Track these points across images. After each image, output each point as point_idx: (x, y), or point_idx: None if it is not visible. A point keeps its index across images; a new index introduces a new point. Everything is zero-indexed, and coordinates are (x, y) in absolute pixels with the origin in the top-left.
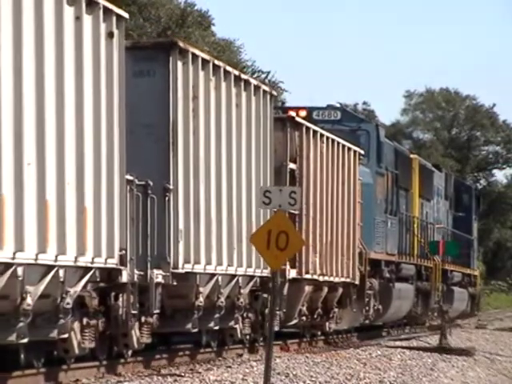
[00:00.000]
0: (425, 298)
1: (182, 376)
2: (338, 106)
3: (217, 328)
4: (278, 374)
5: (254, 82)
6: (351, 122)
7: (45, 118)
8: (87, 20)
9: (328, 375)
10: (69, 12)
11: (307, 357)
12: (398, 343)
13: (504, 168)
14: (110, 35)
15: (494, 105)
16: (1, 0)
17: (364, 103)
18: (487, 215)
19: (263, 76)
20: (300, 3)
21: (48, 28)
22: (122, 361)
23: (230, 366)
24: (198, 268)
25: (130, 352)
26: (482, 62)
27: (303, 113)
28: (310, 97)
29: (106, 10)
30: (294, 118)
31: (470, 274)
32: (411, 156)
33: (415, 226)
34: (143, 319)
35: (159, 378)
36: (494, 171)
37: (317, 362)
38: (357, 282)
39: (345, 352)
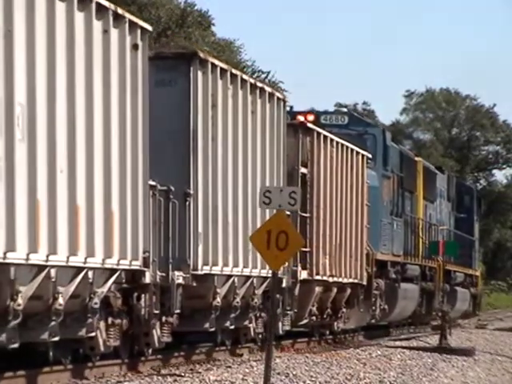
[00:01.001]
0: (429, 298)
1: (181, 376)
2: (345, 110)
3: (232, 327)
4: (278, 373)
5: (268, 89)
6: (358, 126)
7: (76, 127)
8: (114, 33)
9: (328, 375)
10: (97, 26)
11: (307, 357)
12: (398, 343)
13: (504, 168)
14: (135, 47)
15: (494, 105)
16: (36, 16)
17: (364, 103)
18: (487, 215)
19: (263, 76)
20: (300, 3)
21: (78, 41)
22: (143, 358)
23: (229, 366)
24: (216, 270)
25: (150, 350)
26: (482, 62)
27: (311, 117)
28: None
29: (132, 24)
30: (305, 124)
31: (471, 274)
32: (416, 159)
33: (420, 227)
34: (164, 319)
35: (159, 377)
36: (494, 171)
37: (317, 362)
38: (364, 283)
39: (345, 352)
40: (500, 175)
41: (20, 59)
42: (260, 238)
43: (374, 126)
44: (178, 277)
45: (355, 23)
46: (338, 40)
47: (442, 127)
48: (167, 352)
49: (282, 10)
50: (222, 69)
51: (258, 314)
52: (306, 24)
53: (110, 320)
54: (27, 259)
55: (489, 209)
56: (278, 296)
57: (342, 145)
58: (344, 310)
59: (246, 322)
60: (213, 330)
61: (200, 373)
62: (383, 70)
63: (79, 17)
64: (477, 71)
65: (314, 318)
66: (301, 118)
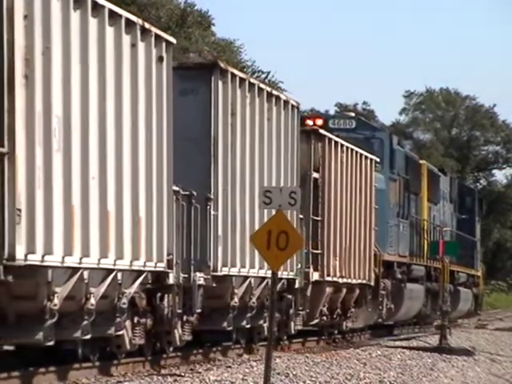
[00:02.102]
0: (434, 298)
1: (182, 376)
2: (353, 115)
3: (248, 326)
4: (278, 373)
5: (283, 97)
6: (365, 131)
7: (106, 137)
8: (141, 46)
9: (328, 375)
10: (126, 40)
11: (307, 357)
12: (398, 343)
13: (504, 168)
14: (160, 59)
15: (494, 105)
16: (71, 32)
17: (364, 103)
18: (487, 215)
19: (263, 76)
20: (300, 3)
21: (109, 55)
22: (165, 356)
23: (229, 366)
24: (234, 271)
25: (171, 348)
26: (482, 62)
27: (320, 121)
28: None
29: (157, 37)
30: (317, 130)
31: (473, 274)
32: (420, 161)
33: (425, 228)
34: (185, 318)
35: (159, 377)
36: (494, 171)
37: (317, 362)
38: (372, 283)
39: (345, 352)
40: (500, 175)
41: (57, 74)
42: (260, 238)
43: (381, 130)
44: (199, 278)
45: (355, 23)
46: (337, 40)
47: (441, 127)
48: (187, 350)
49: (281, 10)
50: (240, 78)
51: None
52: (306, 24)
53: (135, 319)
54: (63, 262)
55: (489, 209)
56: (290, 297)
57: (352, 150)
58: (353, 309)
59: (261, 322)
60: (230, 328)
61: (200, 373)
62: (383, 70)
63: (109, 32)
64: (477, 71)
65: (324, 317)
66: (309, 123)
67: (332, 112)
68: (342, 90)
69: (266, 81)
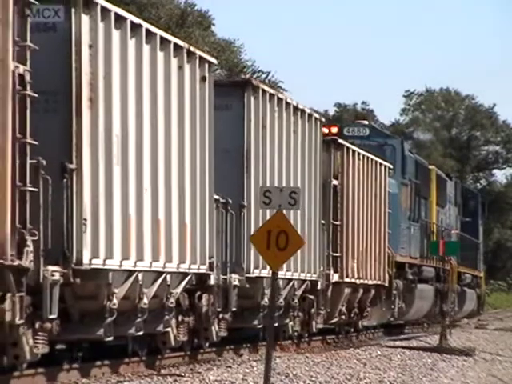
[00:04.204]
0: (443, 298)
1: (182, 376)
2: (366, 123)
3: (276, 325)
4: (278, 373)
5: (307, 110)
6: (378, 138)
7: (157, 152)
8: (187, 68)
9: (328, 375)
10: (174, 62)
11: (307, 357)
12: (398, 343)
13: (504, 168)
14: (203, 79)
15: (494, 105)
16: (128, 57)
17: (363, 103)
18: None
19: (263, 76)
20: (300, 3)
21: (159, 77)
22: (202, 351)
23: (230, 366)
24: (264, 272)
25: (207, 344)
26: (482, 62)
27: (335, 129)
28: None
29: (201, 59)
30: (337, 140)
31: (476, 275)
32: (429, 167)
33: (434, 231)
34: (221, 316)
35: (159, 377)
36: (494, 171)
37: (317, 362)
38: (386, 284)
39: (345, 352)
40: (500, 175)
41: (116, 96)
42: (260, 238)
43: (393, 138)
44: (235, 279)
45: (355, 23)
46: (337, 40)
47: (441, 127)
48: (220, 346)
49: (281, 10)
50: (270, 94)
51: (296, 314)
52: (306, 24)
53: (180, 317)
54: (120, 265)
55: (489, 209)
56: (312, 297)
57: (368, 157)
58: (368, 309)
59: (287, 321)
60: (260, 326)
61: (200, 373)
62: (383, 69)
63: (160, 56)
64: (477, 71)
65: (343, 316)
66: (325, 130)
67: (332, 112)
68: (341, 89)
69: (266, 81)
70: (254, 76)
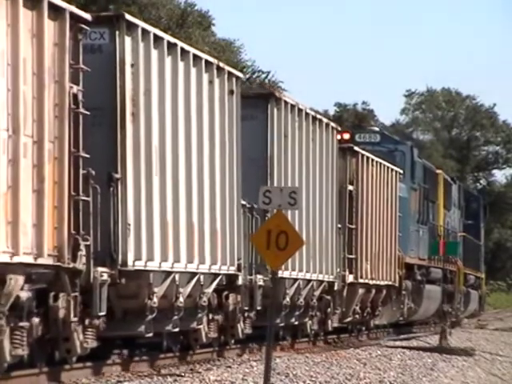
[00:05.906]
0: (450, 298)
1: (182, 376)
2: (378, 129)
3: (296, 323)
4: (278, 373)
5: (324, 120)
6: (389, 144)
7: (191, 161)
8: (216, 82)
9: (328, 375)
10: (205, 78)
11: (307, 357)
12: (398, 343)
13: (504, 168)
14: (231, 92)
15: (494, 105)
16: (166, 74)
17: (363, 103)
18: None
19: (263, 76)
20: (300, 3)
21: (192, 91)
22: (228, 347)
23: (230, 366)
24: (286, 274)
25: (233, 340)
26: (482, 62)
27: (347, 135)
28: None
29: (229, 73)
30: (352, 147)
31: (478, 276)
32: (437, 171)
33: (441, 233)
34: (246, 314)
35: (159, 378)
36: (494, 171)
37: (317, 362)
38: (397, 285)
39: (345, 352)
40: (500, 175)
41: (155, 111)
42: (260, 238)
43: (403, 144)
44: (260, 279)
45: (355, 23)
46: (337, 40)
47: (441, 127)
48: (244, 343)
49: (281, 11)
50: (291, 105)
51: (314, 313)
52: (306, 24)
53: (210, 316)
54: (160, 266)
55: (489, 209)
56: (328, 297)
57: (380, 163)
58: (380, 308)
59: (306, 319)
60: (282, 325)
61: (200, 373)
62: (383, 69)
63: (193, 72)
64: (477, 71)
65: (357, 315)
66: (337, 137)
67: (332, 112)
68: (341, 89)
69: (266, 81)
70: (254, 76)
